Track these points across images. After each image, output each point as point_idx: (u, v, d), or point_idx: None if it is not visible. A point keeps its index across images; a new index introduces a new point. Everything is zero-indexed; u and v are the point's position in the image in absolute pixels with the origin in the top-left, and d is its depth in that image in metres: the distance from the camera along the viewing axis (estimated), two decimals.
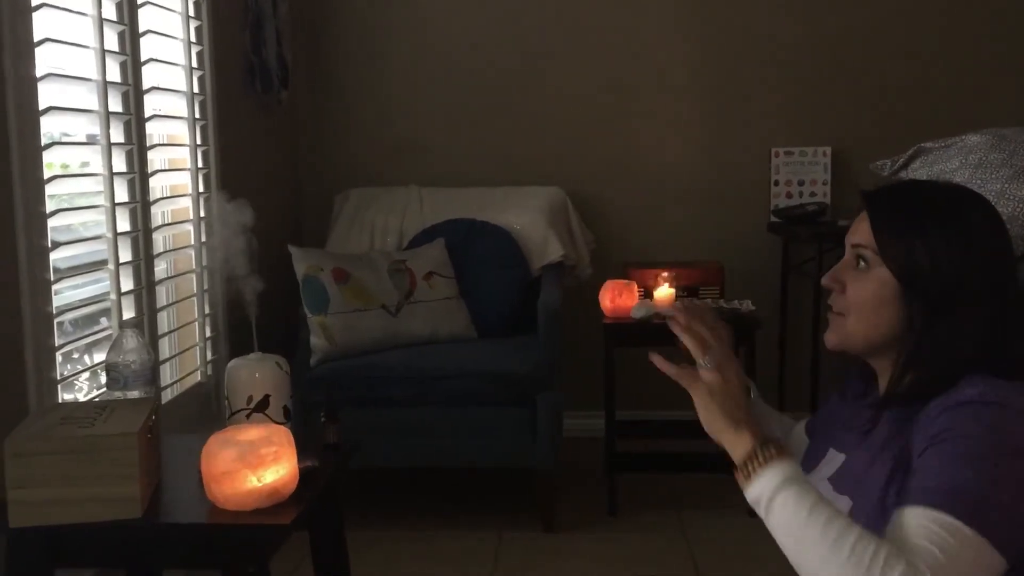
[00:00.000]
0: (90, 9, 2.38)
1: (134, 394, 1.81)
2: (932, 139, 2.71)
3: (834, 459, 1.35)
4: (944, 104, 3.87)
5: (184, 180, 2.98)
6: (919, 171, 2.60)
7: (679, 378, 1.23)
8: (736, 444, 1.19)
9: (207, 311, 3.04)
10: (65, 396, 2.28)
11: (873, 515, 1.19)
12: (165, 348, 2.85)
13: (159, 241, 2.78)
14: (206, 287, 3.03)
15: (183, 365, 2.99)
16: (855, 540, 1.06)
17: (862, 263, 1.27)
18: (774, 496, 1.13)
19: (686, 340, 1.25)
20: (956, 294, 1.21)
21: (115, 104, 2.50)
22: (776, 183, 3.93)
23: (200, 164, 3.02)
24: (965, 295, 1.21)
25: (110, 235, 2.44)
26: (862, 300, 1.26)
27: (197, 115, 3.00)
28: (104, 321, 2.49)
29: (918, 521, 1.08)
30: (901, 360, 1.24)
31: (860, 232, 1.28)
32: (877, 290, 1.24)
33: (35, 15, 2.13)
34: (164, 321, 2.84)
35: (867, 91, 3.94)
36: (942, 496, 1.09)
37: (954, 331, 1.20)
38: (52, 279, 2.19)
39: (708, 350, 1.23)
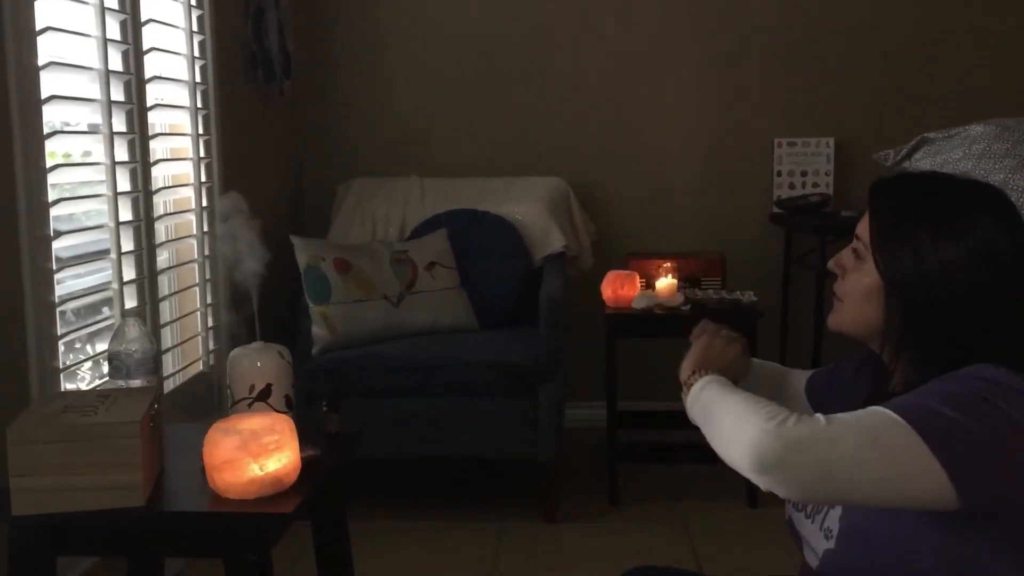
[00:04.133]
0: None
1: (136, 383, 1.81)
2: (935, 129, 2.71)
3: None
4: (948, 94, 3.87)
5: (186, 169, 2.98)
6: (922, 161, 2.60)
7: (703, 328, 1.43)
8: (686, 372, 1.34)
9: (209, 300, 3.05)
10: (67, 385, 2.29)
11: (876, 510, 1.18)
12: (167, 337, 2.85)
13: (161, 230, 2.78)
14: (208, 276, 3.03)
15: (185, 354, 2.99)
16: (767, 402, 1.15)
17: (859, 253, 1.28)
18: (700, 392, 1.27)
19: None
20: (937, 304, 1.19)
21: (117, 93, 2.50)
22: (779, 173, 3.92)
23: (202, 153, 3.02)
24: (943, 309, 1.19)
25: (112, 224, 2.45)
26: (853, 290, 1.28)
27: (199, 104, 3.00)
28: (106, 310, 2.49)
29: (855, 411, 1.12)
30: (886, 356, 1.26)
31: (863, 223, 1.29)
32: (866, 284, 1.26)
33: (37, 3, 2.13)
34: (166, 310, 2.84)
35: (871, 81, 3.93)
36: (895, 404, 1.11)
37: (927, 340, 1.20)
38: (54, 268, 2.19)
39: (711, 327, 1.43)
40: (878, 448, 1.07)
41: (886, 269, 1.23)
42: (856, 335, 1.31)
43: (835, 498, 1.16)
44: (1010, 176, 2.30)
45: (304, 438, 1.64)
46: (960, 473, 1.06)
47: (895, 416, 1.08)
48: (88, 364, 2.45)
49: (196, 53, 2.99)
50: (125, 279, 2.49)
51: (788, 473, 1.08)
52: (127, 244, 2.52)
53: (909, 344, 1.22)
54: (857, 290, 1.27)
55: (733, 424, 1.14)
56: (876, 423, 1.09)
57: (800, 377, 1.56)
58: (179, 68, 2.91)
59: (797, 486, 1.09)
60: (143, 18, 2.63)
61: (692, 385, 1.30)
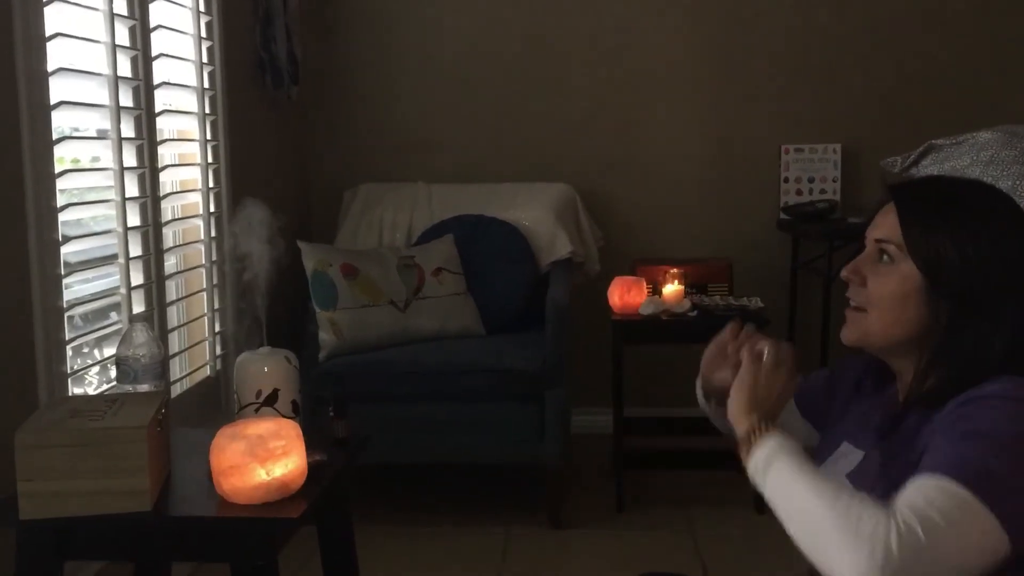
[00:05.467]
0: (101, 4, 2.38)
1: (144, 388, 1.81)
2: (943, 136, 2.71)
3: (851, 454, 1.32)
4: (955, 101, 3.86)
5: (194, 175, 2.98)
6: (930, 168, 2.59)
7: (749, 342, 1.34)
8: (743, 420, 1.25)
9: (216, 306, 3.05)
10: (75, 390, 2.29)
11: None
12: (175, 342, 2.86)
13: (169, 236, 2.79)
14: (215, 281, 3.04)
15: (192, 359, 3.00)
16: (848, 497, 1.08)
17: (885, 258, 1.24)
18: (769, 464, 1.17)
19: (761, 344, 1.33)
20: (984, 292, 1.18)
21: (126, 99, 2.51)
22: (786, 180, 3.92)
23: (210, 159, 3.02)
24: (993, 293, 1.18)
25: (120, 230, 2.45)
26: (885, 295, 1.23)
27: (207, 110, 3.01)
28: (114, 315, 2.50)
29: (922, 487, 1.06)
30: (925, 359, 1.22)
31: (884, 226, 1.25)
32: (901, 285, 1.22)
33: (47, 10, 2.14)
34: (174, 315, 2.85)
35: (878, 87, 3.92)
36: (949, 466, 1.06)
37: (981, 330, 1.18)
38: (63, 273, 2.20)
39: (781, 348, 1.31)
40: (964, 538, 1.03)
41: (928, 265, 1.20)
42: (886, 344, 1.26)
43: None
44: (1018, 183, 2.30)
45: (311, 443, 1.65)
46: (1016, 527, 1.04)
47: (964, 492, 1.04)
48: (96, 369, 2.46)
49: (204, 59, 3.00)
50: (133, 284, 2.50)
51: None
52: (135, 249, 2.53)
53: (963, 338, 1.19)
54: (891, 293, 1.23)
55: (836, 549, 1.05)
56: (954, 509, 1.03)
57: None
58: (187, 74, 2.92)
59: None
60: (152, 24, 2.64)
61: (754, 446, 1.21)
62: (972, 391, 1.14)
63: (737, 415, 1.27)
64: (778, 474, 1.16)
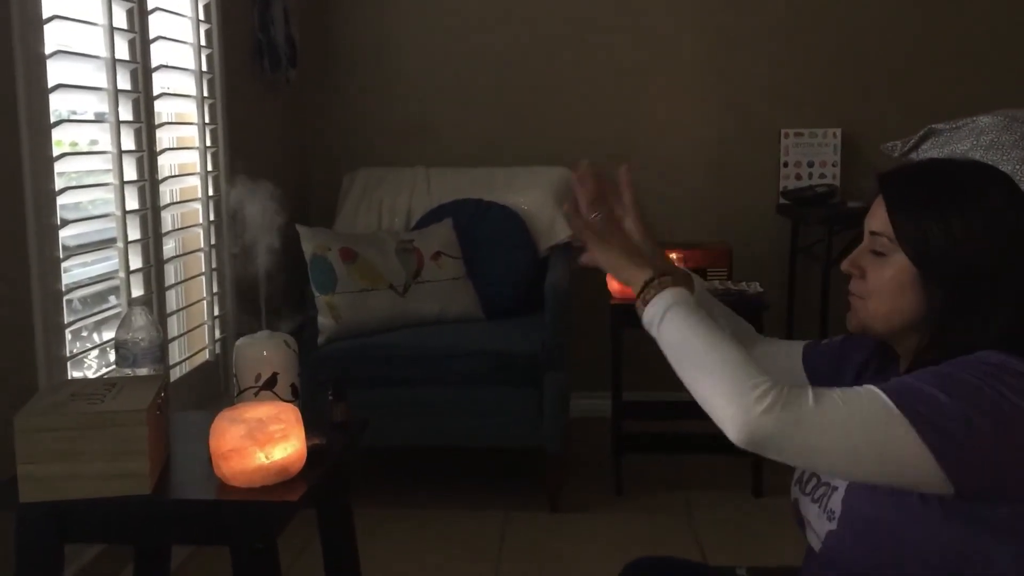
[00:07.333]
0: None
1: (143, 371, 1.81)
2: (943, 120, 2.70)
3: None
4: (955, 85, 3.85)
5: (192, 159, 2.98)
6: (929, 152, 2.59)
7: (582, 229, 1.48)
8: (638, 276, 1.33)
9: (215, 289, 3.05)
10: (74, 373, 2.29)
11: (879, 494, 1.18)
12: (174, 326, 2.86)
13: (167, 219, 2.79)
14: (214, 265, 3.04)
15: (191, 343, 3.00)
16: (737, 352, 1.16)
17: (880, 249, 1.25)
18: (664, 315, 1.25)
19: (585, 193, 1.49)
20: (976, 276, 1.19)
21: (124, 82, 2.50)
22: (785, 164, 3.91)
23: (208, 143, 3.02)
24: (985, 274, 1.19)
25: (119, 213, 2.45)
26: (881, 285, 1.25)
27: (206, 93, 3.00)
28: (113, 299, 2.50)
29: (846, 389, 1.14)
30: (924, 341, 1.23)
31: (877, 218, 1.26)
32: (895, 275, 1.23)
33: None
34: (172, 299, 2.85)
35: (878, 72, 3.91)
36: (893, 386, 1.12)
37: (975, 314, 1.19)
38: (61, 257, 2.20)
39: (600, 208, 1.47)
40: (865, 435, 1.09)
41: (918, 255, 1.21)
42: (886, 331, 1.28)
43: (823, 472, 1.23)
44: (1018, 167, 2.29)
45: (310, 427, 1.65)
46: (950, 459, 1.08)
47: (887, 400, 1.10)
48: (95, 352, 2.46)
49: (202, 42, 2.98)
50: (132, 268, 2.50)
51: (775, 453, 1.12)
52: (134, 233, 2.53)
53: (957, 324, 1.20)
54: (887, 284, 1.24)
55: (716, 391, 1.14)
56: (866, 409, 1.10)
57: (795, 350, 1.52)
58: (185, 57, 2.91)
59: (782, 460, 1.14)
60: (150, 7, 2.63)
61: (650, 301, 1.29)
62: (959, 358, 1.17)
63: (628, 274, 1.35)
64: (671, 325, 1.24)
